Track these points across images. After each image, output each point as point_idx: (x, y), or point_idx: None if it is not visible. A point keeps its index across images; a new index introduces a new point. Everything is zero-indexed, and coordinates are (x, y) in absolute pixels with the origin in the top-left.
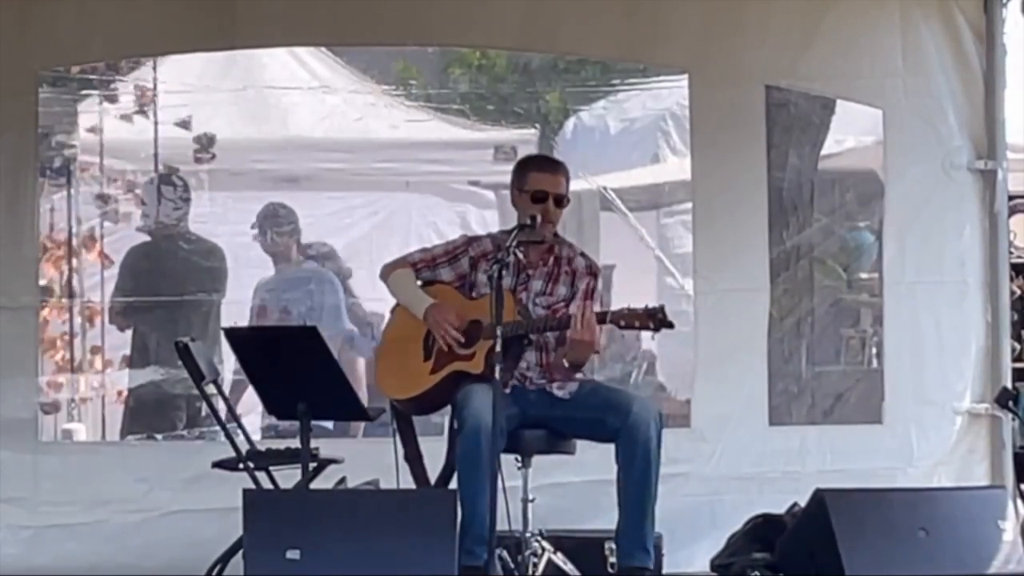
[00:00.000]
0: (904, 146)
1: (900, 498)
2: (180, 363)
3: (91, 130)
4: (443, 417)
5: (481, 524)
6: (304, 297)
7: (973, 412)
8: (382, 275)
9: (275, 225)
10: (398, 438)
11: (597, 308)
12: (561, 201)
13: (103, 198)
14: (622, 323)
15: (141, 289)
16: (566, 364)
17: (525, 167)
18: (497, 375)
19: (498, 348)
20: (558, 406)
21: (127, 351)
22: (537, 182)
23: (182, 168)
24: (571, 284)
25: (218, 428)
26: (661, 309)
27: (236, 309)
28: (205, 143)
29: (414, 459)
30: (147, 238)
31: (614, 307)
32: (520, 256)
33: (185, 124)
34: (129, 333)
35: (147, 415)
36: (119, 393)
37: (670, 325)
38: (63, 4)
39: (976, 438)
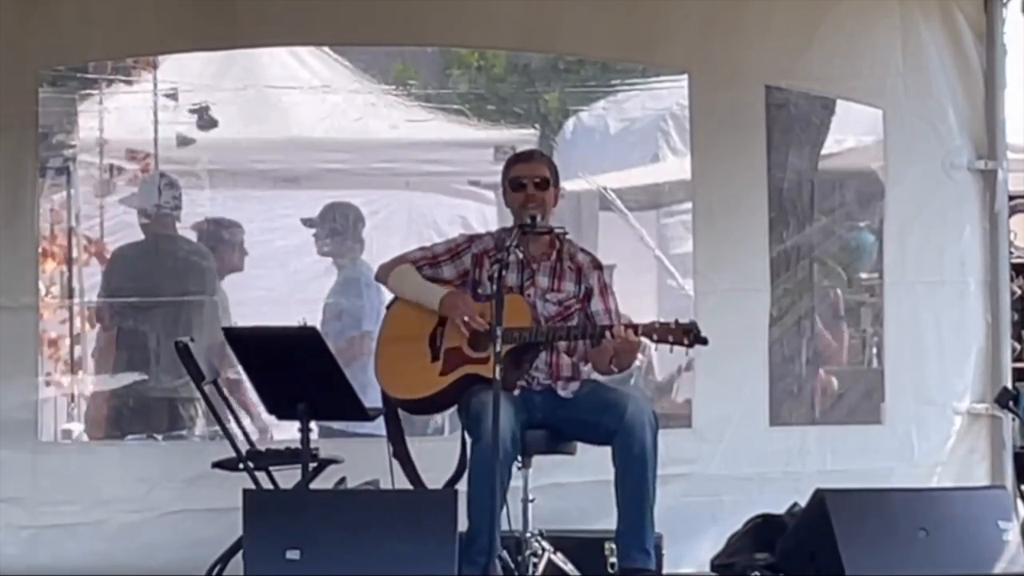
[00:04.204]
0: (904, 146)
1: (900, 498)
2: (159, 365)
3: (91, 130)
4: (442, 417)
5: (489, 536)
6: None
7: (973, 412)
8: (379, 275)
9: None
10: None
11: (614, 304)
12: (542, 183)
13: (103, 198)
14: (655, 337)
15: (128, 289)
16: (615, 369)
17: (506, 167)
18: (497, 375)
19: (498, 348)
20: (561, 406)
21: (112, 351)
22: (515, 172)
23: (182, 152)
24: (578, 280)
25: (196, 430)
26: (694, 324)
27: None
28: (204, 117)
29: (403, 456)
30: (139, 238)
31: (643, 320)
32: (520, 255)
33: (174, 96)
34: (113, 333)
35: (128, 417)
36: (96, 394)
37: (704, 341)
38: (63, 4)
39: (976, 438)
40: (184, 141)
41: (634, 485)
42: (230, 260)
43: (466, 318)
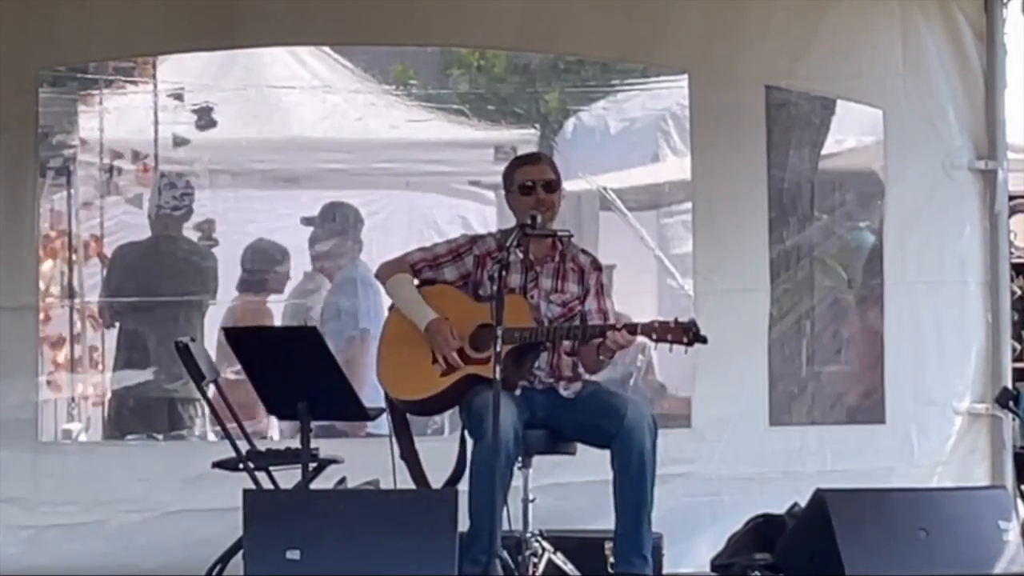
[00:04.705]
0: (904, 146)
1: (900, 498)
2: (159, 365)
3: (91, 130)
4: (441, 417)
5: (490, 536)
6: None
7: (973, 412)
8: (380, 275)
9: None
10: (393, 437)
11: (608, 304)
12: (551, 186)
13: (103, 197)
14: (654, 336)
15: (128, 289)
16: (603, 359)
17: (510, 169)
18: (497, 374)
19: (498, 348)
20: (562, 406)
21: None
22: (523, 175)
23: (182, 152)
24: (580, 281)
25: (196, 430)
26: (693, 323)
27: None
28: (204, 117)
29: (410, 457)
30: (141, 237)
31: (643, 319)
32: (521, 255)
33: (176, 96)
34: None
35: (128, 417)
36: (100, 394)
37: (703, 340)
38: (63, 4)
39: (976, 438)
40: (183, 141)
41: (632, 490)
42: (273, 284)
43: (443, 351)
